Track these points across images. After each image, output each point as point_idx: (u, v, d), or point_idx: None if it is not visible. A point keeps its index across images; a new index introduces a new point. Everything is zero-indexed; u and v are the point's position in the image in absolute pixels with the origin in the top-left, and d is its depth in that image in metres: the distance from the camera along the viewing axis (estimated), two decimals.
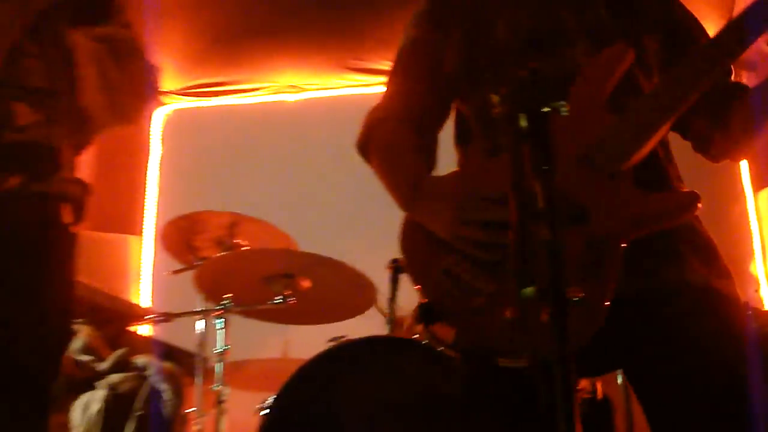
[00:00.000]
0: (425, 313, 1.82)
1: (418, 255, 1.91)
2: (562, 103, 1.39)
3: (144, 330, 4.95)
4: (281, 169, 5.62)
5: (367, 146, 2.13)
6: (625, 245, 1.70)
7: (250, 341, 4.32)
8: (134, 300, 5.37)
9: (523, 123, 1.37)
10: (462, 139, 2.12)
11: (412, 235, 1.92)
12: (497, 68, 1.97)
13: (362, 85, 5.77)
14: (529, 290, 1.23)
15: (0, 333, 1.96)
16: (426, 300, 1.84)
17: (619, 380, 3.42)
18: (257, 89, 5.93)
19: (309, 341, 4.40)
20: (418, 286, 1.86)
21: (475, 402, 1.87)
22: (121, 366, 3.34)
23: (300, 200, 5.41)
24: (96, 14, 2.15)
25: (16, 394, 1.99)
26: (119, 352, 3.45)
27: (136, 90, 2.20)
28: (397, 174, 2.03)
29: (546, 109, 1.37)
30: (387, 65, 5.72)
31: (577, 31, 1.98)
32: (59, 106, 2.10)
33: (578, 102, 1.78)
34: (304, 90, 5.88)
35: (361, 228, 5.14)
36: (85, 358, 3.25)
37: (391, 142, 2.08)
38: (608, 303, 1.65)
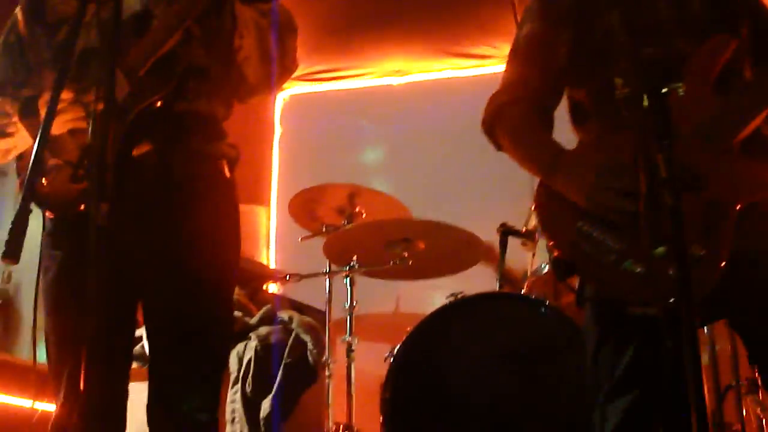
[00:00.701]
0: (560, 268, 1.91)
1: (553, 218, 1.98)
2: (679, 84, 1.44)
3: (273, 289, 5.10)
4: (389, 145, 5.71)
5: (493, 127, 2.20)
6: (739, 209, 1.76)
7: (368, 297, 4.41)
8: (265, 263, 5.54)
9: (646, 102, 1.43)
10: (578, 120, 2.19)
11: (547, 201, 2.00)
12: (613, 56, 2.03)
13: (460, 68, 5.81)
14: (660, 249, 1.29)
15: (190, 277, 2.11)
16: (561, 257, 1.91)
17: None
18: (365, 74, 6.02)
19: (420, 296, 4.54)
20: (553, 244, 1.94)
21: (600, 342, 1.94)
22: (268, 320, 3.46)
23: (409, 172, 5.49)
24: None
25: (204, 344, 2.14)
26: (266, 307, 3.58)
27: (287, 63, 2.29)
28: (533, 149, 2.11)
29: (665, 90, 1.43)
30: (483, 50, 5.77)
31: (678, 22, 2.03)
32: (217, 81, 2.24)
33: (690, 85, 1.82)
34: (408, 74, 5.93)
35: (467, 195, 5.23)
36: (237, 313, 3.37)
37: (523, 122, 2.15)
38: (725, 260, 1.71)
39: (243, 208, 5.69)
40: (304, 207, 4.23)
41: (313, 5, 5.50)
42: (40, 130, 1.69)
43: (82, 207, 2.02)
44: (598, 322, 1.95)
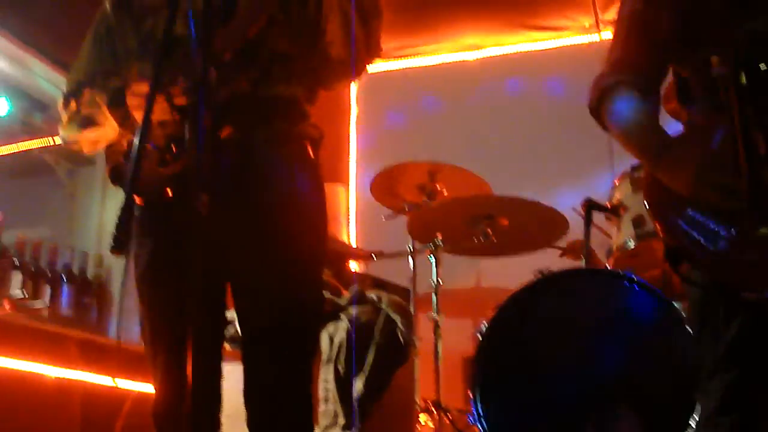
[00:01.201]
0: (672, 256, 1.90)
1: (662, 207, 1.96)
2: None
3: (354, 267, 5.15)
4: (467, 120, 5.68)
5: (599, 109, 2.18)
6: None
7: (449, 273, 4.43)
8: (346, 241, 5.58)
9: (743, 80, 1.40)
10: (684, 98, 2.17)
11: (657, 191, 1.98)
12: (713, 31, 1.99)
13: (535, 41, 5.76)
14: (764, 230, 1.28)
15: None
16: (672, 245, 1.90)
17: None
18: (439, 50, 6.00)
19: (501, 272, 4.53)
20: (664, 234, 1.93)
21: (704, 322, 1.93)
22: (357, 299, 3.49)
23: (488, 147, 5.47)
24: None
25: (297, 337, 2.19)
26: (354, 287, 3.61)
27: (372, 48, 2.31)
28: (638, 137, 2.09)
29: (764, 67, 1.41)
30: (558, 22, 5.72)
31: None
32: (300, 65, 2.27)
33: None
34: (483, 48, 5.90)
35: (547, 170, 5.21)
36: (326, 293, 3.40)
37: (628, 106, 2.12)
38: None
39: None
40: (385, 186, 4.25)
41: None
42: (141, 122, 1.72)
43: (170, 193, 2.06)
44: (705, 304, 1.94)
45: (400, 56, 6.10)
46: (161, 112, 2.09)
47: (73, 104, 2.35)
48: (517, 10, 5.61)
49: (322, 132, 2.36)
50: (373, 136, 6.08)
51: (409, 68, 6.10)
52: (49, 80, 4.25)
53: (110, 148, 2.30)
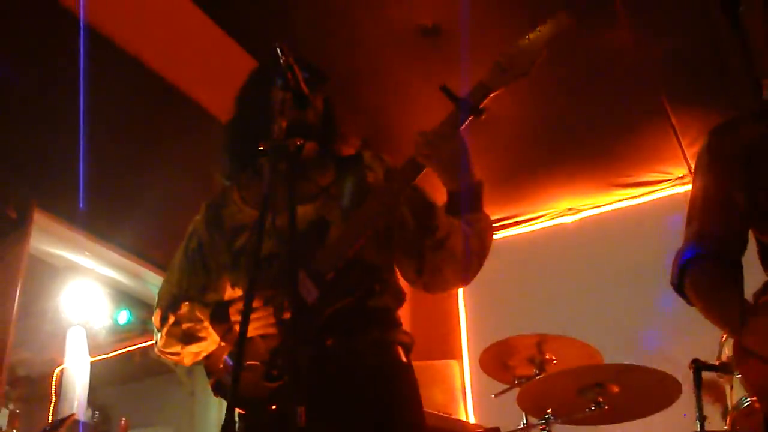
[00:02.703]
0: None
1: (754, 374, 1.95)
2: None
3: None
4: (572, 285, 5.69)
5: (682, 284, 2.20)
6: None
7: None
8: (463, 417, 5.55)
9: None
10: (766, 264, 2.18)
11: (745, 358, 1.98)
12: None
13: (632, 198, 5.82)
14: None
15: None
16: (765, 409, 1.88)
17: None
18: (539, 217, 6.11)
19: None
20: (760, 403, 1.91)
21: None
22: None
23: (594, 310, 5.44)
24: None
25: None
26: None
27: (484, 259, 2.37)
28: (721, 309, 2.10)
29: None
30: (651, 176, 5.73)
31: None
32: (391, 278, 2.41)
33: None
34: (580, 211, 5.98)
35: (656, 331, 5.12)
36: None
37: (709, 281, 2.14)
38: None
39: (437, 363, 5.84)
40: (494, 360, 4.26)
41: (481, 157, 5.68)
42: (238, 338, 1.83)
43: (275, 407, 2.15)
44: None
45: (503, 227, 6.23)
46: (264, 326, 2.21)
47: (171, 318, 2.43)
48: (608, 171, 5.69)
49: (413, 338, 2.44)
50: (482, 308, 6.13)
51: (512, 236, 6.21)
52: None
53: (208, 359, 2.41)
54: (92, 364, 4.87)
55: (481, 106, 2.16)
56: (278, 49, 1.99)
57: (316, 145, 2.46)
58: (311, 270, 2.20)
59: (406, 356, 2.39)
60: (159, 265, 4.43)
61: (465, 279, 2.34)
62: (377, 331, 2.33)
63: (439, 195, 2.34)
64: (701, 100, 4.74)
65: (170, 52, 4.04)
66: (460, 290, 6.20)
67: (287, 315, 2.14)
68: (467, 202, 2.28)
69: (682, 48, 4.28)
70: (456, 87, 2.21)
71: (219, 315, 2.34)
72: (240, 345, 1.79)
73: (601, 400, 3.63)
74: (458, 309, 6.16)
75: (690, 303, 2.19)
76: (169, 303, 2.48)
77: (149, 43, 3.93)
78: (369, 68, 4.40)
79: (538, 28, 2.14)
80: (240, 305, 2.26)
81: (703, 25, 4.18)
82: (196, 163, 4.13)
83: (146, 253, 4.37)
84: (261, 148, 2.09)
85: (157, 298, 2.55)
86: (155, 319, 2.50)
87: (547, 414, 3.78)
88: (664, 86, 4.79)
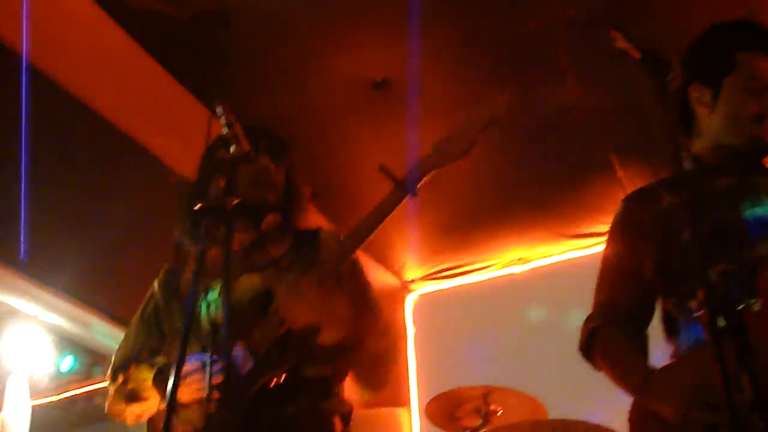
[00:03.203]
0: None
1: None
2: (753, 300, 1.48)
3: None
4: (521, 335, 5.70)
5: (590, 350, 2.27)
6: None
7: None
8: None
9: (722, 323, 1.46)
10: (670, 332, 2.22)
11: (642, 419, 2.01)
12: (689, 270, 2.07)
13: (581, 248, 5.86)
14: None
15: None
16: None
17: None
18: (489, 266, 6.13)
19: None
20: None
21: None
22: None
23: (541, 363, 5.44)
24: None
25: None
26: None
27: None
28: (625, 373, 2.17)
29: (740, 307, 1.47)
30: (595, 228, 5.77)
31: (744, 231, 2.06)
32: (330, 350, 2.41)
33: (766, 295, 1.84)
34: (529, 261, 6.01)
35: (602, 387, 5.12)
36: None
37: (614, 346, 2.21)
38: None
39: (385, 411, 5.80)
40: (441, 410, 4.27)
41: (431, 208, 5.71)
42: (168, 396, 1.83)
43: None
44: None
45: (453, 275, 6.23)
46: (200, 390, 2.21)
47: (120, 378, 2.49)
48: (558, 221, 5.73)
49: (351, 406, 2.45)
50: (432, 356, 6.11)
51: (462, 285, 6.22)
52: (106, 335, 4.46)
53: (152, 421, 2.41)
54: (33, 411, 4.79)
55: (418, 187, 2.17)
56: (216, 108, 2.01)
57: (279, 216, 2.49)
58: (252, 342, 2.22)
59: (344, 426, 2.39)
60: (103, 310, 4.40)
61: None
62: (311, 401, 2.33)
63: None
64: (648, 154, 4.81)
65: (120, 97, 4.02)
66: (411, 337, 6.19)
67: (217, 380, 2.14)
68: None
69: (628, 103, 4.34)
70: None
71: (162, 377, 2.36)
72: (169, 412, 1.79)
73: None
74: (407, 356, 6.13)
75: (596, 368, 2.24)
76: (122, 363, 2.53)
77: (97, 88, 3.89)
78: (318, 120, 4.42)
79: (477, 111, 2.17)
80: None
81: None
82: (144, 210, 4.12)
83: (90, 298, 4.33)
84: (196, 208, 2.08)
85: (113, 357, 2.61)
86: (107, 378, 2.57)
87: None
88: (612, 140, 4.85)
